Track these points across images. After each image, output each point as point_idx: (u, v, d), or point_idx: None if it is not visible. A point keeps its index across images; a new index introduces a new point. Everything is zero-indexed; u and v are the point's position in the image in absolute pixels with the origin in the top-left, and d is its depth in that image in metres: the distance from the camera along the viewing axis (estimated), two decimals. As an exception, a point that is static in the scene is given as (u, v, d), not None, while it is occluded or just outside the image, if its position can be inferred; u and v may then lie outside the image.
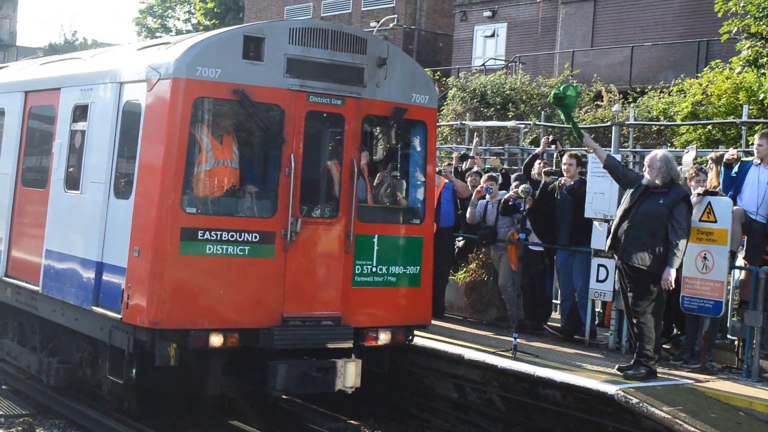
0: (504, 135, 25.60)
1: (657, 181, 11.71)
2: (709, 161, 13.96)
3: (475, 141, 19.90)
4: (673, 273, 11.53)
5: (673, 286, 11.65)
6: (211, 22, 58.52)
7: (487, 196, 15.65)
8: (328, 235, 11.83)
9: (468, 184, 16.68)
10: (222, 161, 11.45)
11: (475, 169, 17.16)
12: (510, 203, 14.93)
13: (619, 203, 12.82)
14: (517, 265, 14.84)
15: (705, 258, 12.17)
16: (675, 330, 13.82)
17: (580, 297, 14.28)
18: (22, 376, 14.56)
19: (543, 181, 14.86)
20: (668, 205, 11.57)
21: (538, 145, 16.81)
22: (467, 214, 15.70)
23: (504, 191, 15.59)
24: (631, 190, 11.98)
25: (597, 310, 14.99)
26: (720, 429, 10.29)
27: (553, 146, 15.80)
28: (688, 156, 14.32)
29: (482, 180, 15.88)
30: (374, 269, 12.18)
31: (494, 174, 16.50)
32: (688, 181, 13.05)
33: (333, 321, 11.81)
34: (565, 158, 14.68)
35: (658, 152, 12.06)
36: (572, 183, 14.30)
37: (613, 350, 13.59)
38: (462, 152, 19.06)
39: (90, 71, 13.15)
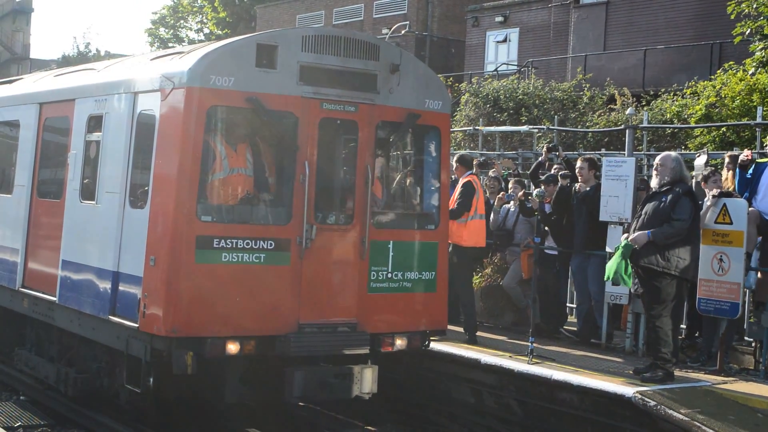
0: (517, 140, 25.60)
1: (666, 179, 11.74)
2: (726, 160, 13.94)
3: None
4: (641, 237, 11.51)
5: (631, 238, 11.57)
6: (223, 31, 58.71)
7: (511, 202, 15.69)
8: (343, 242, 11.84)
9: (486, 189, 16.73)
10: (236, 169, 11.49)
11: (494, 174, 17.16)
12: (528, 206, 14.92)
13: (634, 208, 12.88)
14: (527, 272, 14.88)
15: (721, 260, 12.14)
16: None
17: (596, 300, 14.27)
18: (40, 387, 14.59)
19: (559, 185, 14.87)
20: (671, 203, 11.58)
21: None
22: (490, 221, 15.75)
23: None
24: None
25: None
26: (738, 431, 10.27)
27: (555, 153, 15.78)
28: (700, 160, 14.34)
29: (510, 184, 15.94)
30: (390, 275, 12.18)
31: (522, 179, 16.49)
32: (702, 184, 13.05)
33: (349, 327, 11.81)
34: (578, 162, 14.70)
35: (669, 153, 12.23)
36: (587, 189, 14.28)
37: (630, 353, 13.58)
38: (482, 159, 19.07)
39: (104, 82, 13.20)
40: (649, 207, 11.81)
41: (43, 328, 14.24)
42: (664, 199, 11.67)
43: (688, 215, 11.57)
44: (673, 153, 12.14)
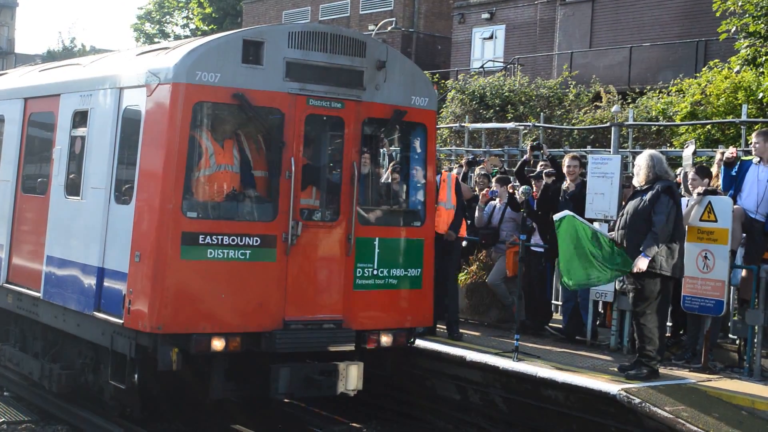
0: (503, 137, 25.62)
1: (642, 180, 11.78)
2: (718, 156, 13.96)
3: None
4: (642, 262, 11.46)
5: (643, 269, 11.55)
6: (209, 27, 58.55)
7: (496, 199, 15.70)
8: (329, 239, 11.83)
9: (475, 186, 16.73)
10: (222, 165, 11.46)
11: (483, 171, 17.16)
12: (518, 199, 14.92)
13: (619, 205, 12.91)
14: (512, 269, 14.88)
15: (706, 257, 12.17)
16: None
17: (582, 298, 14.29)
18: (25, 383, 14.56)
19: (544, 183, 14.88)
20: (651, 201, 11.60)
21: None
22: (475, 218, 15.75)
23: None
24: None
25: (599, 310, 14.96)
26: (722, 428, 10.31)
27: (539, 151, 15.79)
28: (688, 150, 14.38)
29: (493, 182, 15.94)
30: (375, 272, 12.18)
31: (505, 176, 16.49)
32: (690, 180, 13.07)
33: (335, 324, 11.81)
34: (567, 161, 14.66)
35: (646, 151, 12.30)
36: (574, 188, 14.27)
37: (615, 350, 13.60)
38: (471, 158, 19.07)
39: (89, 77, 13.16)
40: (630, 206, 11.84)
41: (27, 324, 14.19)
42: (644, 197, 11.70)
43: (668, 212, 11.55)
44: (648, 151, 12.16)
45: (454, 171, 17.31)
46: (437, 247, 13.92)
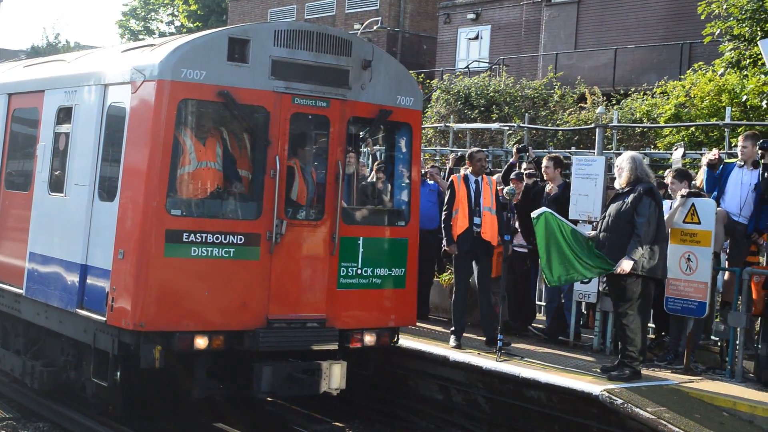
0: (488, 137, 25.62)
1: (623, 182, 11.80)
2: (704, 160, 13.99)
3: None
4: (626, 263, 11.46)
5: (627, 270, 11.57)
6: (194, 24, 58.40)
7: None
8: (313, 237, 11.83)
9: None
10: (207, 163, 11.44)
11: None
12: (501, 200, 14.93)
13: (603, 207, 12.92)
14: (495, 270, 14.87)
15: (689, 259, 12.21)
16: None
17: (565, 299, 14.31)
18: (6, 380, 14.51)
19: (525, 184, 14.88)
20: (633, 203, 11.62)
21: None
22: None
23: None
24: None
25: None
26: (704, 429, 10.35)
27: (525, 153, 15.80)
28: (677, 153, 14.42)
29: None
30: (359, 271, 12.19)
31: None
32: (669, 185, 13.11)
33: (318, 323, 11.81)
34: (544, 161, 14.70)
35: (626, 153, 12.27)
36: (557, 191, 14.28)
37: (597, 351, 13.64)
38: (459, 154, 19.04)
39: (74, 73, 13.11)
40: (612, 208, 11.85)
41: (9, 320, 14.14)
42: (626, 199, 11.72)
43: (651, 214, 11.56)
44: (629, 153, 12.18)
45: (427, 169, 17.31)
46: (472, 254, 13.81)
